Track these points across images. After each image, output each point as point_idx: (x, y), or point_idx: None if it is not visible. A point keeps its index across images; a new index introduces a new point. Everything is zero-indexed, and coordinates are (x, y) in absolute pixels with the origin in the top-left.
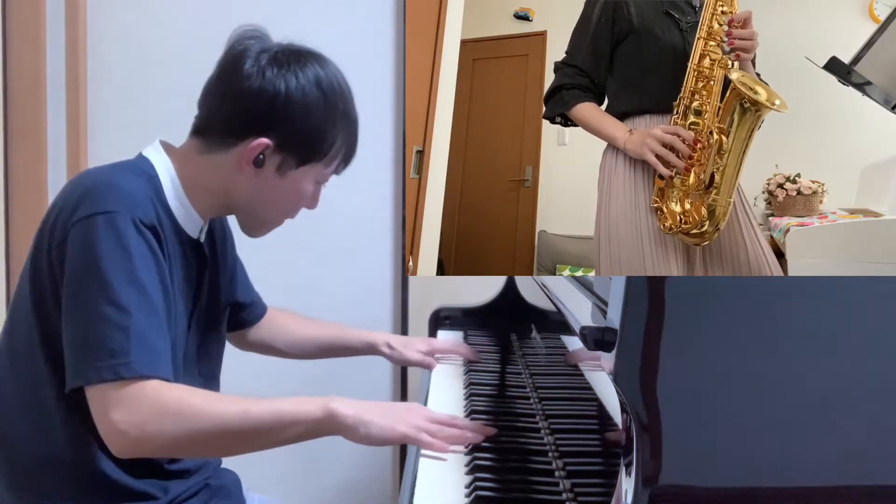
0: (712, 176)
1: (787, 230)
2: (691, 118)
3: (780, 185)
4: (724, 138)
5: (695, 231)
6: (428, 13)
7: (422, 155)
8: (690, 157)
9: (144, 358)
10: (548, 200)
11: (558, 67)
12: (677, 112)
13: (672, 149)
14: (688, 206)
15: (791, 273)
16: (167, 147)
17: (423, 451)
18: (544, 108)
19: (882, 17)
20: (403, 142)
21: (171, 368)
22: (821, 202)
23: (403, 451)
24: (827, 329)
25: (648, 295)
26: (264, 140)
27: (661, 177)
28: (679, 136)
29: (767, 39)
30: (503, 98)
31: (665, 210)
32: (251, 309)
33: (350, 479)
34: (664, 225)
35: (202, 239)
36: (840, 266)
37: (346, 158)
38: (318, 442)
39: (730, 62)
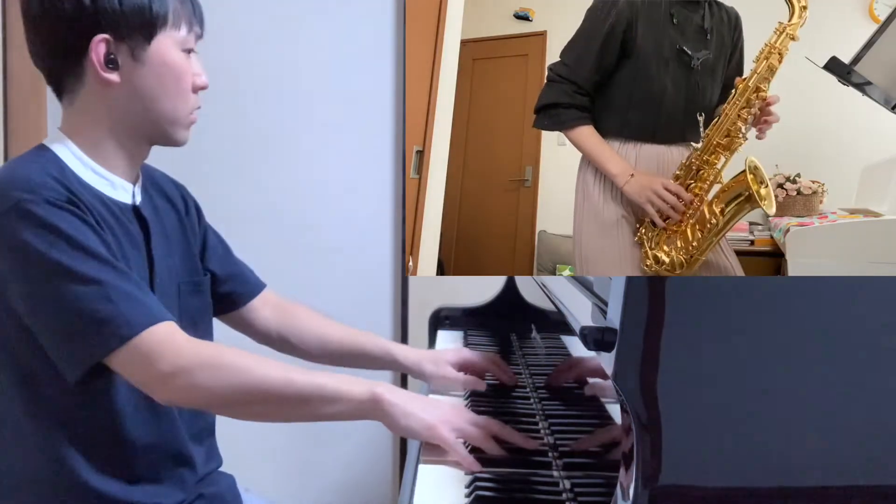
0: (700, 248)
1: (787, 230)
2: (690, 180)
3: (780, 185)
4: (721, 219)
5: (670, 270)
6: (428, 13)
7: (422, 155)
8: (684, 213)
9: (139, 312)
10: (548, 200)
11: (554, 79)
12: (682, 169)
13: (670, 205)
14: (667, 249)
15: (791, 273)
16: (60, 129)
17: (423, 458)
18: (535, 118)
19: (882, 17)
20: (403, 142)
21: (171, 315)
22: (821, 202)
23: (403, 452)
24: (827, 329)
25: (648, 295)
26: (101, 36)
27: (653, 223)
28: (679, 197)
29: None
30: (503, 98)
31: (648, 252)
32: (238, 281)
33: (350, 480)
34: (645, 264)
35: (138, 202)
36: (840, 266)
37: (195, 13)
38: (318, 442)
39: (744, 139)
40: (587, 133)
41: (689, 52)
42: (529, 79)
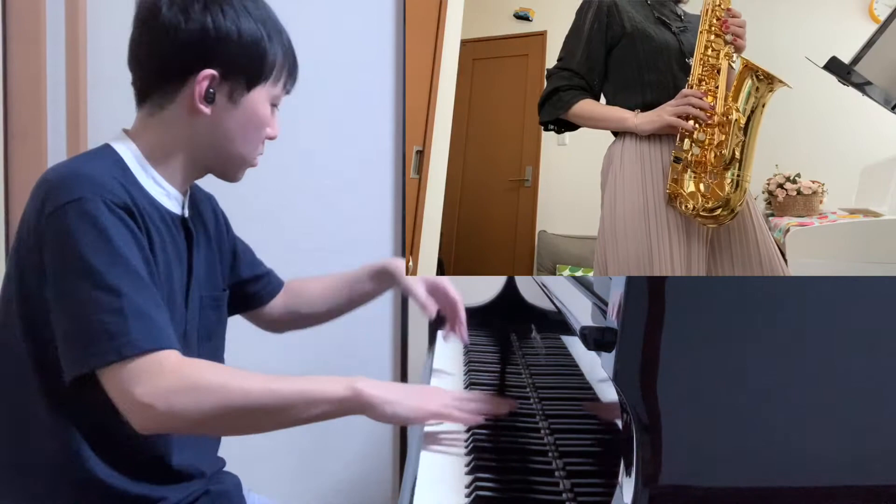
0: (733, 153)
1: (787, 230)
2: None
3: (780, 185)
4: (741, 115)
5: (716, 206)
6: (428, 13)
7: (422, 155)
8: (709, 115)
9: (146, 332)
10: (548, 200)
11: (551, 73)
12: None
13: (691, 104)
14: (702, 188)
15: (791, 273)
16: (126, 131)
17: (429, 446)
18: (539, 114)
19: (882, 17)
20: (403, 142)
21: (176, 340)
22: (821, 202)
23: (403, 451)
24: (827, 329)
25: (648, 295)
26: (209, 71)
27: (677, 160)
28: (690, 100)
29: (767, 39)
30: (503, 98)
31: (684, 194)
32: (265, 282)
33: (350, 479)
34: (686, 207)
35: (186, 214)
36: (840, 266)
37: (291, 72)
38: (318, 442)
39: (732, 54)
40: (589, 105)
41: (668, 21)
42: (529, 79)
